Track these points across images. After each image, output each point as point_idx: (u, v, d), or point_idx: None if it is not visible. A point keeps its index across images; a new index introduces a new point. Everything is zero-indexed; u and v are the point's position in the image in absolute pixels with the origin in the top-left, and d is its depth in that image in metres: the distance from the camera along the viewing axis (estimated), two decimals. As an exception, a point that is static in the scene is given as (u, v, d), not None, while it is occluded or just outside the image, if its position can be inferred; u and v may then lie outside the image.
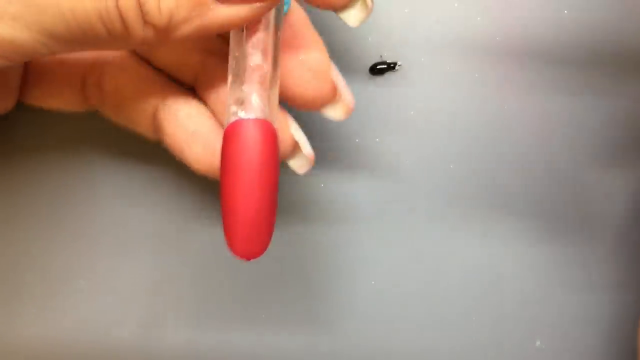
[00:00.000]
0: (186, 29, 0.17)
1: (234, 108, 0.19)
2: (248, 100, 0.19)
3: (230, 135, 0.19)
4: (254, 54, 0.19)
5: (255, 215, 0.19)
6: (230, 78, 0.19)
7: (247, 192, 0.19)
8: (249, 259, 0.19)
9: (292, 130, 0.22)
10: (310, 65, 0.21)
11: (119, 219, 0.27)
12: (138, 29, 0.17)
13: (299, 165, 0.23)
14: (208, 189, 0.25)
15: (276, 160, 0.19)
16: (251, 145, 0.19)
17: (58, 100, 0.24)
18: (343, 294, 0.27)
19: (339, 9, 0.21)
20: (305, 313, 0.27)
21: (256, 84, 0.19)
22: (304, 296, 0.27)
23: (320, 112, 0.22)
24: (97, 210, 0.27)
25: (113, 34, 0.17)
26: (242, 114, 0.19)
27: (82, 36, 0.17)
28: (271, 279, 0.27)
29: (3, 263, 0.27)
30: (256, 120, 0.19)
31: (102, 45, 0.18)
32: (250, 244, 0.19)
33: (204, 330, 0.27)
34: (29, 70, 0.23)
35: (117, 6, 0.16)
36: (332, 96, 0.22)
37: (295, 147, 0.23)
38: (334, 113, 0.22)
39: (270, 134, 0.19)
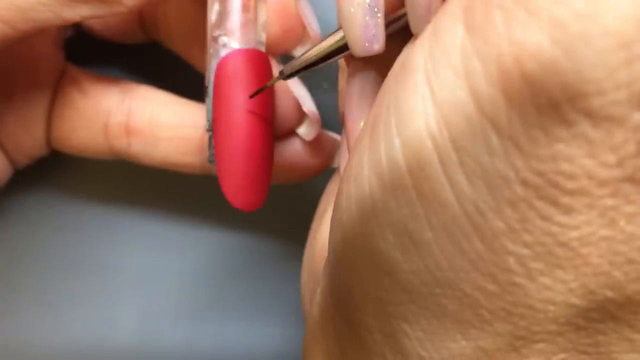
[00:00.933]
0: None
1: (223, 39, 0.18)
2: (235, 31, 0.18)
3: (223, 68, 0.18)
4: None
5: (250, 154, 0.18)
6: (215, 7, 0.18)
7: (240, 128, 0.17)
8: (247, 209, 0.18)
9: (290, 86, 0.20)
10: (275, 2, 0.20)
11: (119, 218, 0.27)
12: None
13: (307, 130, 0.21)
14: (206, 188, 0.24)
15: (271, 96, 0.18)
16: (243, 75, 0.17)
17: (84, 142, 0.23)
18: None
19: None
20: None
21: (242, 13, 0.18)
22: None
23: (291, 53, 0.21)
24: (96, 211, 0.27)
25: None
26: (234, 45, 0.18)
27: None
28: (271, 279, 0.27)
29: (3, 263, 0.26)
30: (253, 50, 0.18)
31: (100, 5, 0.18)
32: (251, 191, 0.18)
33: (203, 330, 0.27)
34: (54, 109, 0.23)
35: None
36: (300, 33, 0.20)
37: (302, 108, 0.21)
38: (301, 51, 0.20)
39: (263, 61, 0.18)
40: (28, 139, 0.23)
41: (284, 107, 0.20)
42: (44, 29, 0.18)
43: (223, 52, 0.18)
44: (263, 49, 0.19)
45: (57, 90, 0.23)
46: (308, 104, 0.20)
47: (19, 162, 0.24)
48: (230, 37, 0.18)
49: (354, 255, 0.13)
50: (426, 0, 0.13)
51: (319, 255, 0.18)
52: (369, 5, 0.14)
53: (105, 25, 0.24)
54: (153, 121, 0.22)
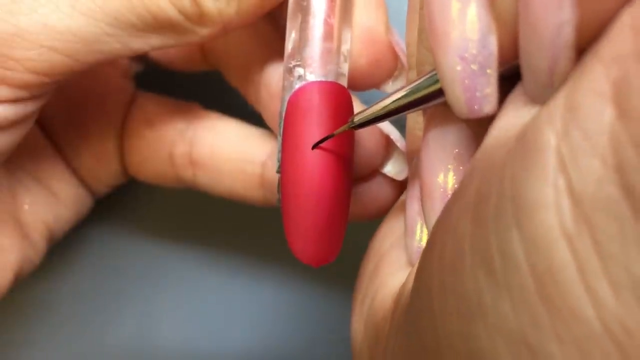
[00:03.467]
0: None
1: (299, 70, 0.16)
2: (313, 61, 0.16)
3: (295, 103, 0.15)
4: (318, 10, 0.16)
5: (322, 203, 0.15)
6: (292, 35, 0.17)
7: (311, 173, 0.15)
8: (316, 265, 0.15)
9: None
10: (362, 26, 0.17)
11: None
12: (209, 3, 0.16)
13: (397, 169, 0.18)
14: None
15: (351, 138, 0.16)
16: (317, 112, 0.15)
17: (154, 172, 0.22)
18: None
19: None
20: (306, 315, 0.27)
21: (324, 40, 0.16)
22: (306, 297, 0.27)
23: (380, 89, 0.18)
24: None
25: (183, 11, 0.16)
26: (310, 77, 0.16)
27: (152, 20, 0.16)
28: (271, 279, 0.26)
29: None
30: (332, 83, 0.15)
31: (172, 35, 0.17)
32: (323, 247, 0.15)
33: (202, 332, 0.27)
34: (124, 139, 0.23)
35: None
36: (392, 65, 0.18)
37: (389, 144, 0.18)
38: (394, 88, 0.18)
39: (343, 96, 0.16)
40: (104, 169, 0.23)
41: (367, 145, 0.17)
42: (112, 60, 0.17)
43: (297, 85, 0.16)
44: (344, 82, 0.16)
45: (126, 120, 0.23)
46: (401, 140, 0.18)
47: (98, 192, 0.24)
48: (307, 68, 0.16)
49: (452, 355, 0.11)
50: (548, 63, 0.10)
51: (380, 310, 0.16)
52: (478, 64, 0.11)
53: (166, 54, 0.23)
54: (214, 153, 0.21)
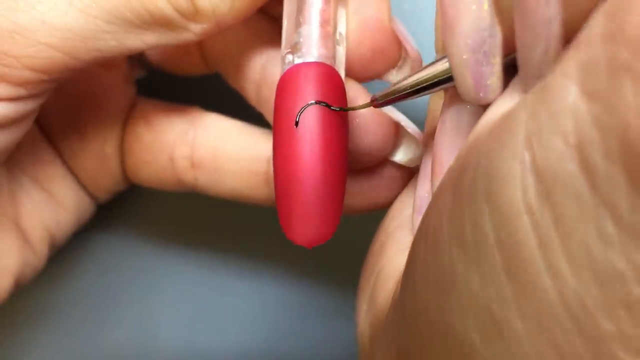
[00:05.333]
0: None
1: (289, 57, 0.16)
2: (306, 42, 0.15)
3: (285, 84, 0.15)
4: None
5: (318, 187, 0.15)
6: (285, 24, 0.16)
7: (308, 155, 0.15)
8: (310, 246, 0.15)
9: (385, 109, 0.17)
10: (365, 15, 0.17)
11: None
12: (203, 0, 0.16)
13: (408, 156, 0.18)
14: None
15: (344, 116, 0.15)
16: (305, 89, 0.15)
17: (155, 176, 0.22)
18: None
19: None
20: (306, 315, 0.26)
21: (317, 24, 0.16)
22: (306, 298, 0.26)
23: (383, 78, 0.18)
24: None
25: (178, 8, 0.16)
26: (298, 60, 0.15)
27: (147, 17, 0.16)
28: (272, 279, 0.26)
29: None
30: (317, 63, 0.15)
31: (167, 32, 0.17)
32: (313, 226, 0.15)
33: (202, 332, 0.27)
34: (124, 143, 0.23)
35: None
36: (396, 54, 0.17)
37: (398, 130, 0.17)
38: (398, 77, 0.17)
39: (334, 79, 0.15)
40: (104, 174, 0.23)
41: (376, 132, 0.17)
42: (108, 58, 0.17)
43: (287, 68, 0.15)
44: (340, 67, 0.16)
45: (126, 124, 0.22)
46: (411, 126, 0.18)
47: (99, 198, 0.23)
48: (296, 53, 0.15)
49: (428, 328, 0.11)
50: (542, 49, 0.11)
51: (383, 298, 0.16)
52: (484, 53, 0.12)
53: (166, 57, 0.23)
54: (217, 153, 0.21)
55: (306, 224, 0.15)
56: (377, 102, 0.15)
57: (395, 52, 0.17)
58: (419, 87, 0.14)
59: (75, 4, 0.16)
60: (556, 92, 0.09)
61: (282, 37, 0.17)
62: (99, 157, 0.22)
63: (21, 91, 0.17)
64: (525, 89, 0.11)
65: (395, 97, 0.15)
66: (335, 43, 0.16)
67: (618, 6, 0.09)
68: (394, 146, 0.18)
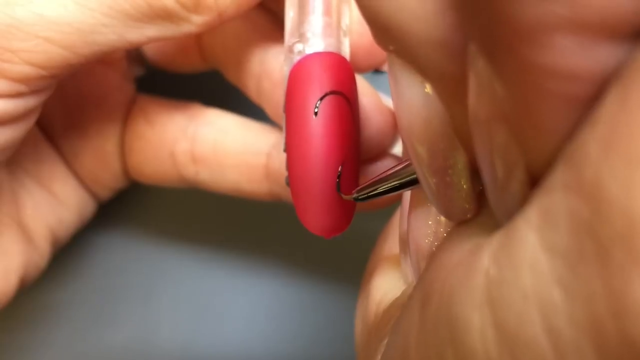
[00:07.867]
0: None
1: (298, 46, 0.16)
2: (317, 31, 0.15)
3: (298, 73, 0.15)
4: None
5: (336, 175, 0.14)
6: (290, 14, 0.16)
7: (320, 145, 0.14)
8: (328, 236, 0.15)
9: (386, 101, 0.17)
10: None
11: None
12: None
13: None
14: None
15: (355, 103, 0.15)
16: (321, 80, 0.14)
17: (156, 172, 0.22)
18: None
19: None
20: (307, 315, 0.26)
21: (326, 15, 0.16)
22: (307, 298, 0.26)
23: (383, 68, 0.18)
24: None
25: (180, 1, 0.16)
26: (309, 50, 0.15)
27: (147, 9, 0.16)
28: (272, 279, 0.26)
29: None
30: (330, 53, 0.15)
31: (167, 24, 0.17)
32: (329, 215, 0.15)
33: (202, 332, 0.26)
34: (125, 141, 0.23)
35: None
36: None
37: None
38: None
39: (347, 69, 0.15)
40: (105, 172, 0.23)
41: (376, 124, 0.17)
42: (108, 52, 0.17)
43: (296, 59, 0.15)
44: (346, 56, 0.16)
45: (127, 121, 0.22)
46: None
47: (100, 196, 0.23)
48: (306, 43, 0.15)
49: None
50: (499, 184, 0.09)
51: (374, 316, 0.15)
52: (450, 177, 0.11)
53: (165, 55, 0.23)
54: (217, 148, 0.21)
55: (326, 215, 0.15)
56: (358, 198, 0.14)
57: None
58: (401, 185, 0.13)
59: None
60: (516, 241, 0.08)
61: (285, 28, 0.17)
62: (100, 155, 0.22)
63: (21, 87, 0.17)
64: (499, 221, 0.10)
65: (377, 193, 0.14)
66: (343, 34, 0.16)
67: (582, 155, 0.07)
68: (395, 138, 0.18)
